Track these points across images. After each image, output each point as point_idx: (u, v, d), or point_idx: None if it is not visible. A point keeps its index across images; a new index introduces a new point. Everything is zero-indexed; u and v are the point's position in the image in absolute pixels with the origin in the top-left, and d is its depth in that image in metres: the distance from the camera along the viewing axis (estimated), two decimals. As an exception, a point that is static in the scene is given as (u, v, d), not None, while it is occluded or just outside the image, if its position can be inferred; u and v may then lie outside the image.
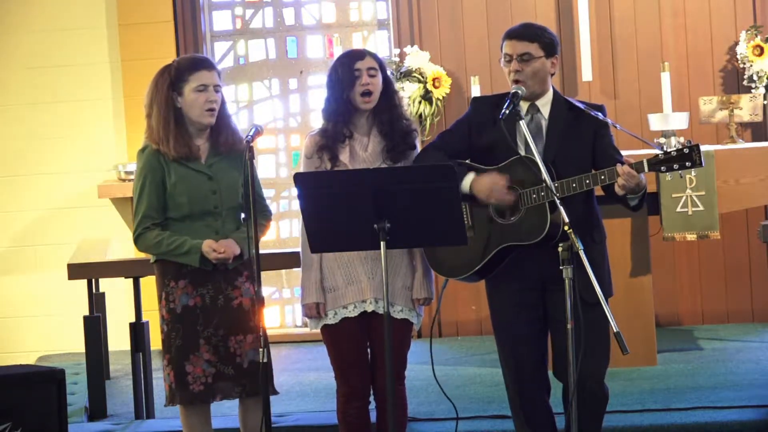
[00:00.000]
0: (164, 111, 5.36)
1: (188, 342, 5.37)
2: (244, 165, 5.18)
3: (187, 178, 5.37)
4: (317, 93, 9.59)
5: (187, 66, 5.39)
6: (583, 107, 5.17)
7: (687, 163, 4.88)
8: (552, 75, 5.22)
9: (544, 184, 4.97)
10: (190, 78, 5.36)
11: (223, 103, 5.46)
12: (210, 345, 5.38)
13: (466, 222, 5.17)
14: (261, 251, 5.26)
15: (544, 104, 5.21)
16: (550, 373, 5.28)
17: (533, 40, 5.15)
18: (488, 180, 5.12)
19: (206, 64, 5.42)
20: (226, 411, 5.88)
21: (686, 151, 4.87)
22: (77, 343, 7.96)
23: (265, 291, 8.78)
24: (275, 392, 5.46)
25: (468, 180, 5.14)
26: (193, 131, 5.43)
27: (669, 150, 4.90)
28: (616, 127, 5.19)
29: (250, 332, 5.39)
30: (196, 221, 5.39)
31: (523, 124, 5.03)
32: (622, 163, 4.96)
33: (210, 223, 5.41)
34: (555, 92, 5.25)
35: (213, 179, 5.40)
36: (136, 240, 5.41)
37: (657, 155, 4.92)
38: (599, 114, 5.15)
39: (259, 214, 5.45)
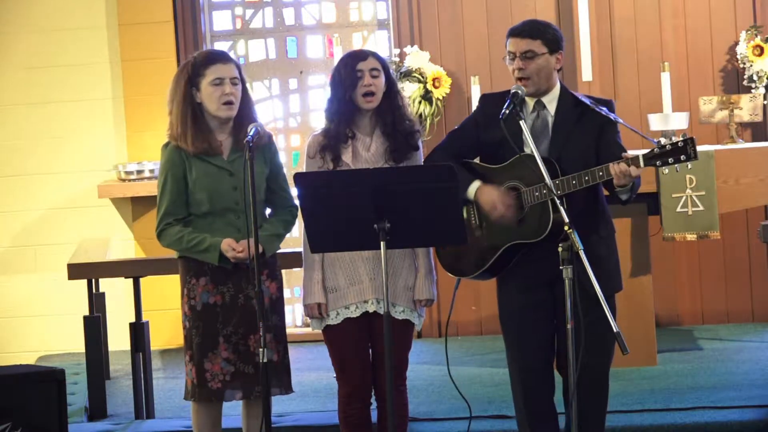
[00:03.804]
0: (182, 107, 5.35)
1: (207, 340, 5.37)
2: (244, 165, 5.18)
3: (208, 174, 5.36)
4: (317, 93, 9.59)
5: (203, 60, 5.39)
6: (590, 102, 5.17)
7: (682, 156, 4.89)
8: (558, 70, 5.21)
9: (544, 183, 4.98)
10: (206, 72, 5.35)
11: (247, 97, 5.44)
12: (229, 343, 5.38)
13: (473, 222, 5.18)
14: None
15: (551, 100, 5.20)
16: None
17: (536, 37, 5.15)
18: (493, 196, 5.11)
19: (222, 58, 5.41)
20: (227, 411, 5.86)
21: (681, 144, 4.88)
22: (77, 343, 7.96)
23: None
24: (290, 390, 5.49)
25: (473, 187, 5.14)
26: (215, 126, 5.41)
27: (664, 144, 4.91)
28: (619, 122, 5.19)
29: (269, 331, 5.37)
30: (217, 218, 5.38)
31: (523, 124, 5.03)
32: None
33: (232, 221, 5.39)
34: (562, 88, 5.24)
35: (234, 175, 5.38)
36: (159, 235, 5.40)
37: (652, 150, 4.93)
38: (604, 109, 5.15)
39: (283, 208, 5.48)
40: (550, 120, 5.19)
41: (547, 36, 5.16)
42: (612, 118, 5.16)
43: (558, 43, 5.18)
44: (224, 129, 5.43)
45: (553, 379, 5.27)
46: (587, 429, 5.11)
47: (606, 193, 5.20)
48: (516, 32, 5.19)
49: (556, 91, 5.22)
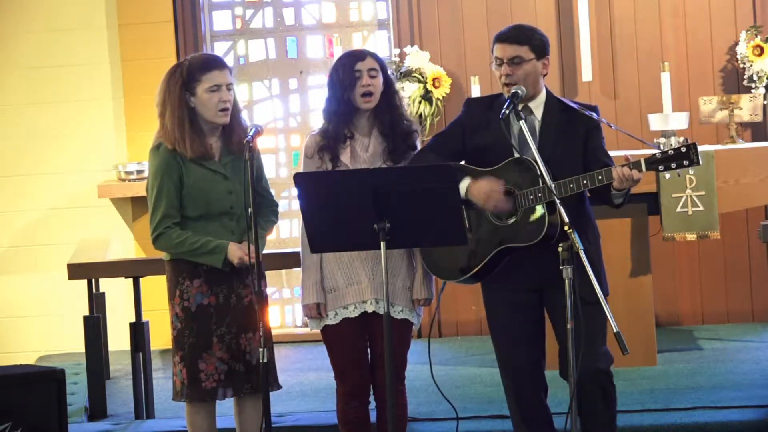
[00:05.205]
0: (178, 112, 5.35)
1: (202, 340, 5.38)
2: (244, 165, 5.18)
3: (205, 178, 5.37)
4: (317, 93, 9.59)
5: (199, 66, 5.37)
6: (576, 107, 5.17)
7: (684, 162, 4.89)
8: (544, 76, 5.21)
9: (541, 185, 4.97)
10: (203, 78, 5.34)
11: (234, 101, 5.44)
12: (223, 343, 5.39)
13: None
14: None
15: (537, 106, 5.20)
16: (547, 372, 5.29)
17: (523, 43, 5.13)
18: (485, 186, 5.09)
19: (218, 64, 5.40)
20: (226, 411, 5.87)
21: (683, 149, 4.88)
22: (77, 343, 7.96)
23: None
24: (279, 387, 5.49)
25: (464, 185, 5.12)
26: (207, 130, 5.42)
27: (666, 149, 4.91)
28: (611, 126, 5.19)
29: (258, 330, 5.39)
30: (212, 221, 5.39)
31: (522, 124, 5.02)
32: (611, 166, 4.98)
33: (225, 224, 5.40)
34: (548, 93, 5.24)
35: (229, 179, 5.40)
36: (156, 239, 5.38)
37: (654, 154, 4.93)
38: (594, 114, 5.15)
39: (268, 209, 5.48)
40: (537, 125, 5.19)
41: (534, 41, 5.15)
42: (604, 122, 5.15)
43: (545, 48, 5.17)
44: (215, 133, 5.44)
45: (543, 380, 5.27)
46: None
47: (588, 195, 5.19)
48: (503, 38, 5.17)
49: (542, 96, 5.22)
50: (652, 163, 4.92)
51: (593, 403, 5.11)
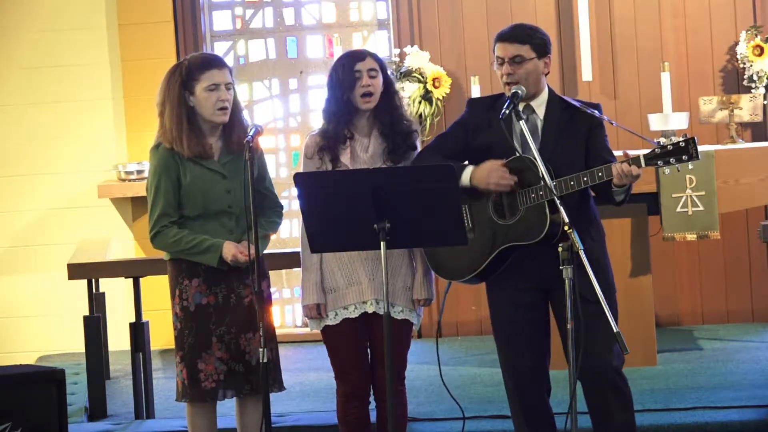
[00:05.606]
0: (177, 110, 5.35)
1: (201, 340, 5.38)
2: (244, 165, 5.19)
3: (203, 177, 5.37)
4: (317, 93, 9.60)
5: (198, 65, 5.38)
6: (579, 105, 5.17)
7: (683, 157, 4.88)
8: (546, 75, 5.21)
9: (542, 183, 4.97)
10: (201, 77, 5.35)
11: (235, 101, 5.45)
12: (222, 343, 5.39)
13: (466, 224, 5.16)
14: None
15: (539, 104, 5.20)
16: (552, 372, 5.29)
17: (524, 42, 5.13)
18: (486, 166, 5.10)
19: (217, 63, 5.41)
20: (226, 411, 5.87)
21: (682, 144, 4.88)
22: (77, 343, 7.96)
23: (265, 291, 8.77)
24: (282, 388, 5.48)
25: (467, 173, 5.13)
26: (206, 129, 5.42)
27: (665, 144, 4.91)
28: (612, 123, 5.19)
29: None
30: (210, 220, 5.39)
31: (522, 124, 5.03)
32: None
33: (224, 223, 5.40)
34: (550, 92, 5.24)
35: (227, 178, 5.40)
36: (153, 238, 5.39)
37: (653, 150, 4.92)
38: (595, 112, 5.15)
39: (270, 210, 5.47)
40: (540, 123, 5.19)
41: (535, 40, 5.15)
42: (606, 119, 5.16)
43: (546, 47, 5.17)
44: (215, 132, 5.44)
45: (546, 380, 5.27)
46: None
47: (593, 194, 5.20)
48: (504, 37, 5.17)
49: (545, 95, 5.22)
50: (651, 158, 4.92)
51: (604, 403, 5.10)
